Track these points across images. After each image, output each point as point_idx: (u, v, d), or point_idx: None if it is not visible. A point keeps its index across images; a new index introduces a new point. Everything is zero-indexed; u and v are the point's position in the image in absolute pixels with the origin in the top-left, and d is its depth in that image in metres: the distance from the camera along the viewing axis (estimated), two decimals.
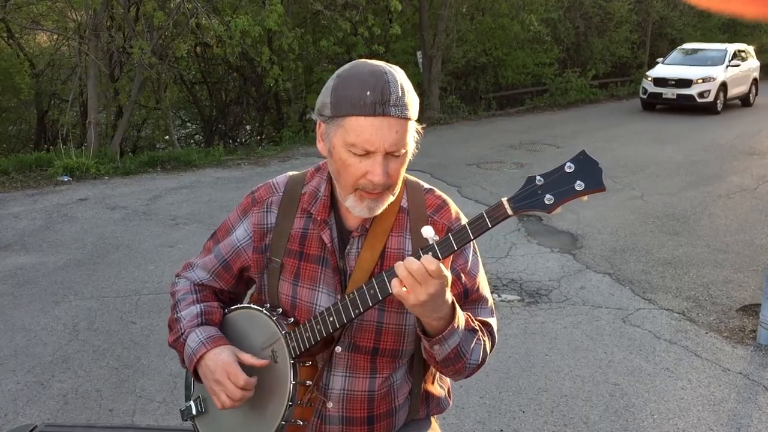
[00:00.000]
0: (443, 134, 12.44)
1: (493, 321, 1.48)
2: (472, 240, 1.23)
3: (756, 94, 16.97)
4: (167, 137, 13.11)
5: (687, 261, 5.68)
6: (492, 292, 4.76)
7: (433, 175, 8.70)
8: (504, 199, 1.21)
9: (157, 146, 13.54)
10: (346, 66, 1.35)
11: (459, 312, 1.34)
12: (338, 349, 1.45)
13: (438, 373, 1.58)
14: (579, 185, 1.18)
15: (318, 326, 1.36)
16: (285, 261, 1.47)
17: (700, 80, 14.88)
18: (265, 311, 1.44)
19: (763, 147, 11.10)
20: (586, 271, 5.42)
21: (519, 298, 4.87)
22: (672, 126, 13.31)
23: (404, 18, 14.92)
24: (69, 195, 7.86)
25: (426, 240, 1.25)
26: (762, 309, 4.18)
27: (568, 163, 1.19)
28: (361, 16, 12.15)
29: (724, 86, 15.17)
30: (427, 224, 1.34)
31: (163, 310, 4.53)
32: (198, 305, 1.52)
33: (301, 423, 1.41)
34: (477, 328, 1.42)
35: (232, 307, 1.54)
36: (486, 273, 1.54)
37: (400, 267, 1.22)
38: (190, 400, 1.58)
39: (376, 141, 1.28)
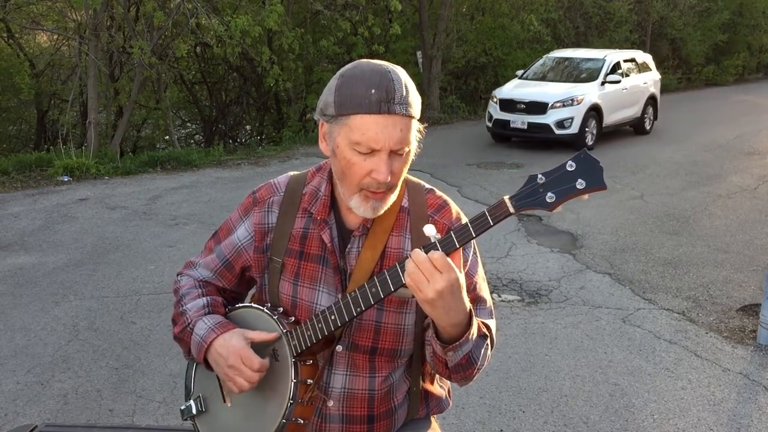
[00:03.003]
0: (443, 134, 12.44)
1: (492, 322, 1.47)
2: (474, 238, 1.23)
3: (654, 117, 12.72)
4: (167, 137, 13.10)
5: (687, 261, 5.68)
6: (492, 292, 4.77)
7: (434, 175, 8.70)
8: (506, 197, 1.21)
9: (157, 146, 13.53)
10: (349, 66, 1.35)
11: (475, 321, 1.33)
12: (339, 347, 1.45)
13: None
14: (580, 183, 1.19)
15: (320, 325, 1.37)
16: (286, 261, 1.47)
17: (559, 104, 10.68)
18: (266, 310, 1.44)
19: (763, 147, 11.11)
20: (586, 271, 5.43)
21: (519, 298, 4.87)
22: (676, 125, 13.30)
23: (404, 18, 14.92)
24: (69, 195, 7.86)
25: (428, 238, 1.25)
26: (762, 309, 4.18)
27: (570, 162, 1.20)
28: (361, 16, 12.16)
29: (596, 111, 11.00)
30: (428, 224, 1.33)
31: (163, 310, 4.54)
32: (204, 298, 1.53)
33: (302, 421, 1.41)
34: (486, 333, 1.41)
35: (233, 307, 1.54)
36: (486, 273, 1.54)
37: (408, 261, 1.22)
38: (190, 399, 1.58)
39: (381, 139, 1.29)
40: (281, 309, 1.46)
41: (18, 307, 4.62)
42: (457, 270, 1.22)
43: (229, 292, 1.60)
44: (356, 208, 1.37)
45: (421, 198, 1.49)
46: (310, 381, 1.40)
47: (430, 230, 1.24)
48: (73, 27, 11.96)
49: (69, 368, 3.78)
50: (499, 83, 17.51)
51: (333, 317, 1.35)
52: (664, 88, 20.07)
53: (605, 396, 3.54)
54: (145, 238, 6.19)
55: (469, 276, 1.46)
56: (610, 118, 11.39)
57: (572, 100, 10.73)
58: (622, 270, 5.45)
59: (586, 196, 1.20)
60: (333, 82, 1.33)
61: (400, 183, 1.40)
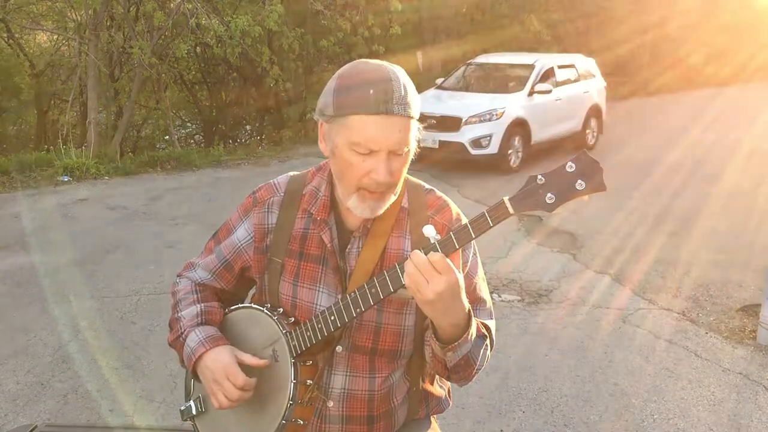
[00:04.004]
0: None
1: (491, 323, 1.47)
2: (473, 239, 1.23)
3: (599, 130, 11.03)
4: (167, 137, 13.11)
5: (687, 261, 5.68)
6: (492, 292, 4.77)
7: (433, 175, 8.70)
8: (505, 198, 1.21)
9: (157, 146, 13.54)
10: (347, 66, 1.35)
11: (474, 321, 1.33)
12: (339, 348, 1.45)
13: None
14: (580, 185, 1.18)
15: (319, 325, 1.36)
16: (285, 261, 1.47)
17: (474, 119, 8.94)
18: (265, 311, 1.44)
19: (763, 147, 11.10)
20: (586, 271, 5.42)
21: (519, 298, 4.87)
22: (675, 125, 13.29)
23: (404, 18, 14.92)
24: (69, 195, 7.86)
25: (428, 239, 1.25)
26: (762, 309, 4.18)
27: (570, 163, 1.20)
28: (361, 16, 12.16)
29: (521, 125, 9.27)
30: (428, 225, 1.33)
31: (163, 310, 4.53)
32: (198, 305, 1.52)
33: (302, 422, 1.41)
34: (485, 333, 1.41)
35: (233, 307, 1.54)
36: (486, 273, 1.54)
37: (408, 262, 1.22)
38: (189, 399, 1.58)
39: (379, 139, 1.28)
40: (281, 309, 1.45)
41: (18, 307, 4.62)
42: (456, 271, 1.21)
43: (228, 294, 1.60)
44: (354, 208, 1.37)
45: (421, 199, 1.48)
46: (309, 381, 1.40)
47: (429, 231, 1.24)
48: (73, 27, 11.97)
49: (69, 368, 3.78)
50: None
51: (333, 318, 1.35)
52: (664, 88, 20.14)
53: (605, 396, 3.54)
54: (145, 238, 6.19)
55: (469, 277, 1.46)
56: (540, 134, 9.61)
57: (490, 114, 8.97)
58: (622, 270, 5.45)
59: (586, 197, 1.20)
60: (332, 83, 1.33)
61: (400, 183, 1.40)
